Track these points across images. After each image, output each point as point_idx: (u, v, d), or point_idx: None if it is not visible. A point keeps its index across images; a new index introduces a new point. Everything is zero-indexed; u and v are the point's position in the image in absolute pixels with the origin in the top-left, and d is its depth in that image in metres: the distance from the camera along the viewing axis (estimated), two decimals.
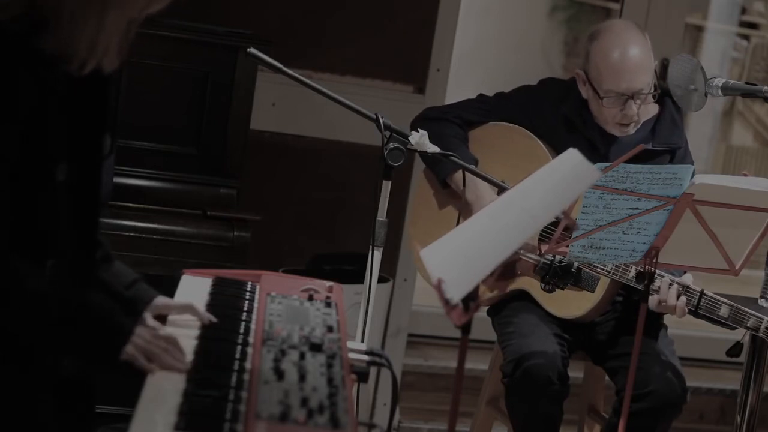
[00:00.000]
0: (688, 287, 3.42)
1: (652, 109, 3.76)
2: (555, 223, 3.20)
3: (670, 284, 3.41)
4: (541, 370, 3.48)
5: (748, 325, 3.40)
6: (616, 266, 3.48)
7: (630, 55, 3.57)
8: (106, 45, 2.11)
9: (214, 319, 2.42)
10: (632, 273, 3.47)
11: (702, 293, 3.42)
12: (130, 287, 2.42)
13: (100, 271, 2.35)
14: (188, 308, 2.43)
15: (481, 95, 3.88)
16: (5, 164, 2.06)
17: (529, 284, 3.69)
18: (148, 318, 2.35)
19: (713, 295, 3.42)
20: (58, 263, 2.16)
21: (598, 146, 3.68)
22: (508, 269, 3.70)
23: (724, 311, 3.42)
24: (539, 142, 3.71)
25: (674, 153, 3.71)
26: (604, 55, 3.59)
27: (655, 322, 3.64)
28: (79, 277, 2.22)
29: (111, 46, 2.12)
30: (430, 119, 3.75)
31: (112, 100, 2.27)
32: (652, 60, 3.61)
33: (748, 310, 3.40)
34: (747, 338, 3.56)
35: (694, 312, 3.44)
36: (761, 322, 3.38)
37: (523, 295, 3.72)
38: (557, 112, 3.73)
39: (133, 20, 2.14)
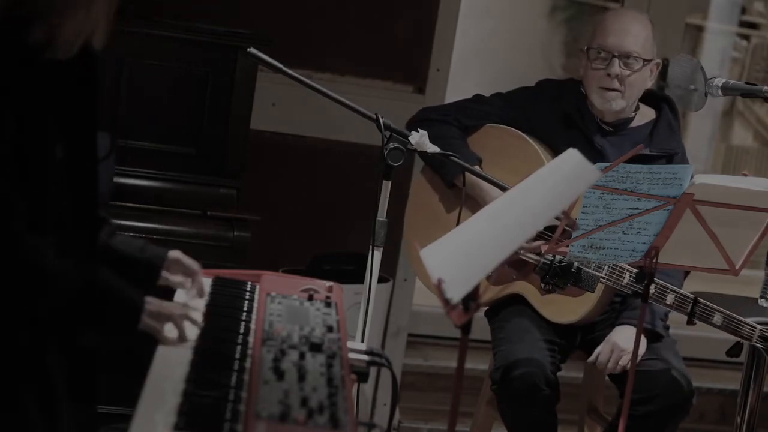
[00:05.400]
0: (682, 295, 3.43)
1: (648, 114, 3.77)
2: (551, 228, 3.20)
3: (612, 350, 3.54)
4: (526, 378, 3.47)
5: (742, 333, 3.40)
6: (611, 271, 3.48)
7: (623, 16, 3.73)
8: (93, 27, 2.17)
9: (205, 293, 2.52)
10: (626, 279, 3.47)
11: (696, 300, 3.42)
12: (142, 250, 2.53)
13: (112, 241, 2.46)
14: (193, 272, 2.55)
15: (478, 95, 3.87)
16: (6, 147, 2.10)
17: (525, 288, 3.68)
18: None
19: (706, 303, 3.42)
20: (63, 240, 2.20)
21: (595, 141, 3.68)
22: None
23: (717, 319, 3.42)
24: (534, 144, 3.70)
25: (671, 159, 3.71)
26: (602, 17, 3.76)
27: None
28: (85, 252, 2.28)
29: (99, 26, 2.18)
30: (429, 121, 3.73)
31: (103, 86, 2.33)
32: (650, 38, 3.68)
33: (741, 319, 3.40)
34: None
35: (689, 320, 3.44)
36: (754, 331, 3.38)
37: (520, 299, 3.71)
38: (555, 110, 3.74)
39: None
